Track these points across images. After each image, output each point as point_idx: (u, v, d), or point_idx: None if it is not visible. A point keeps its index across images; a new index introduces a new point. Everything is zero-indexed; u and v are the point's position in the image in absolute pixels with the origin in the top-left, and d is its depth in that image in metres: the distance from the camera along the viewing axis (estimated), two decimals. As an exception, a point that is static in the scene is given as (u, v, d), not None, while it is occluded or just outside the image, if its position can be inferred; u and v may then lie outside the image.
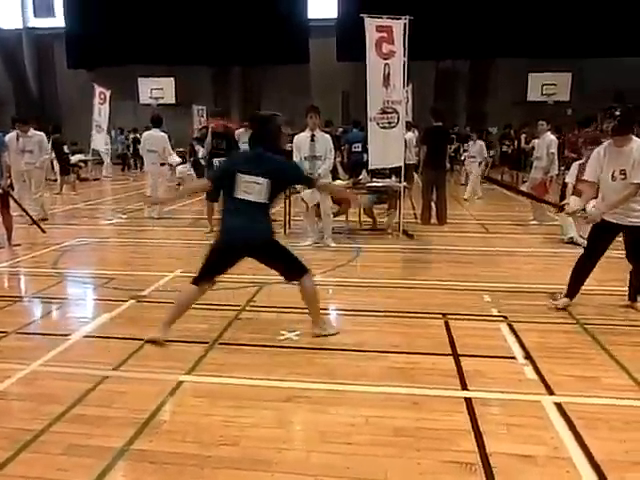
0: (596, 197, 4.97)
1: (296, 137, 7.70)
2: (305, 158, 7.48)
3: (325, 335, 4.31)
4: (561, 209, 5.75)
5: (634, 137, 4.63)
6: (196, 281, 4.17)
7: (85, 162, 18.34)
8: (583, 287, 5.14)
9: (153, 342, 4.13)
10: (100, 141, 17.79)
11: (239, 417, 3.13)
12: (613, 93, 23.63)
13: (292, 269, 4.25)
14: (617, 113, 4.56)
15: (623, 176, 4.60)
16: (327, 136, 7.82)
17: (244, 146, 12.19)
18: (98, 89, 17.22)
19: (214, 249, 4.19)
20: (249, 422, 3.08)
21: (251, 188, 3.98)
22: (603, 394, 3.42)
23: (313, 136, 7.50)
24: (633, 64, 23.41)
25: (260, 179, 3.96)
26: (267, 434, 2.97)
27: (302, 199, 7.73)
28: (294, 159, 7.68)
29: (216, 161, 8.51)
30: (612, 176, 4.67)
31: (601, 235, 4.85)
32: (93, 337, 4.39)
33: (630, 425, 3.07)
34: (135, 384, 3.55)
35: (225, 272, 4.23)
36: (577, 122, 11.43)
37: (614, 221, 4.72)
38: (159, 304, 5.13)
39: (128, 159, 22.95)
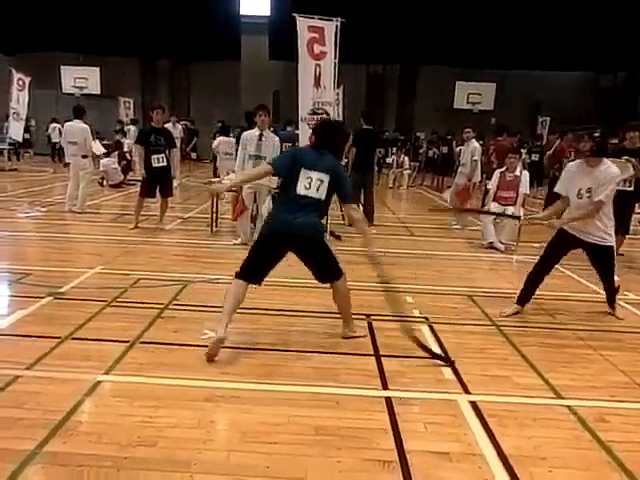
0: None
1: (245, 133, 7.60)
2: (250, 156, 7.38)
3: (354, 337, 4.37)
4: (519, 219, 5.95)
5: (605, 159, 4.86)
6: (240, 275, 4.05)
7: (0, 151, 17.46)
8: (498, 290, 5.35)
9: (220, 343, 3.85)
10: (18, 129, 16.93)
11: (158, 417, 3.07)
12: (532, 104, 24.81)
13: (327, 274, 4.24)
14: (596, 135, 4.78)
15: (589, 194, 4.82)
16: (275, 137, 7.74)
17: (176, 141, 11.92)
18: (17, 75, 16.38)
19: (259, 238, 4.15)
20: (168, 422, 3.03)
21: (313, 184, 3.97)
22: (514, 393, 3.59)
23: (261, 135, 7.39)
24: (551, 77, 24.66)
25: (323, 175, 3.98)
26: (187, 434, 2.92)
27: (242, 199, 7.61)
28: (239, 155, 7.58)
29: (154, 158, 8.25)
30: (578, 193, 4.88)
31: (561, 244, 5.07)
32: (5, 335, 4.16)
33: (538, 422, 3.24)
34: (50, 384, 3.40)
35: (269, 267, 4.08)
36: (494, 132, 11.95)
37: (576, 235, 4.95)
38: (78, 301, 4.95)
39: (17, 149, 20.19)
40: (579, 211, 4.87)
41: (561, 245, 5.08)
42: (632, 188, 7.18)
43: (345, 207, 4.08)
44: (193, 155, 19.49)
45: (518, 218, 5.91)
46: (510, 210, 8.04)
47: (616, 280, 5.20)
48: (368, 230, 4.43)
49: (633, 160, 7.06)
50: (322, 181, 3.99)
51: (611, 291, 5.22)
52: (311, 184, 3.98)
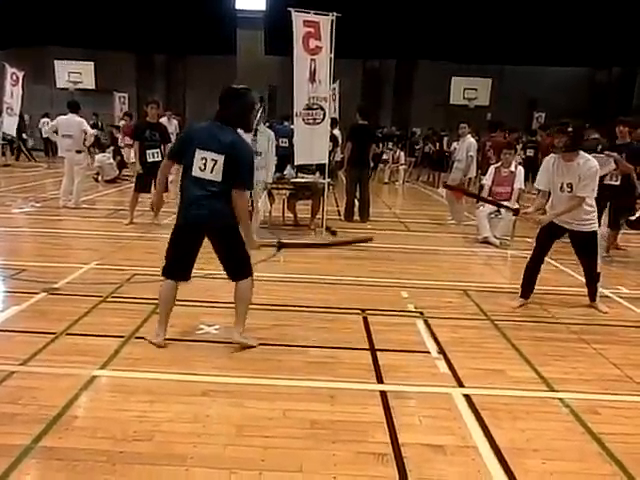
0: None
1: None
2: None
3: (244, 344, 4.00)
4: (516, 213, 5.94)
5: (581, 152, 4.88)
6: (165, 272, 3.92)
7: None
8: (493, 285, 5.36)
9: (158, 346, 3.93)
10: (11, 124, 16.86)
11: (154, 412, 3.08)
12: (528, 100, 24.80)
13: (237, 269, 3.95)
14: (569, 129, 4.78)
15: (570, 189, 4.87)
16: (270, 132, 7.66)
17: (171, 137, 11.91)
18: (10, 70, 16.30)
19: (173, 230, 3.93)
20: (164, 417, 3.04)
21: (208, 165, 3.68)
22: (508, 386, 3.61)
23: (256, 130, 7.16)
24: (546, 73, 24.65)
25: (216, 155, 3.67)
26: (182, 429, 2.93)
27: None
28: None
29: (149, 153, 8.24)
30: (560, 188, 4.94)
31: (548, 236, 5.18)
32: (0, 331, 4.16)
33: (531, 415, 3.26)
34: (45, 379, 3.40)
35: (190, 257, 3.90)
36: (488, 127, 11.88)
37: (562, 225, 5.05)
38: (73, 297, 4.95)
39: None
40: (562, 206, 4.94)
41: (550, 235, 5.18)
42: (618, 182, 7.20)
43: (233, 192, 3.71)
44: None
45: (516, 211, 5.89)
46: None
47: (598, 264, 5.23)
48: (248, 222, 4.02)
49: (615, 154, 7.03)
50: (216, 161, 3.68)
51: (593, 280, 5.24)
52: (206, 165, 3.69)
